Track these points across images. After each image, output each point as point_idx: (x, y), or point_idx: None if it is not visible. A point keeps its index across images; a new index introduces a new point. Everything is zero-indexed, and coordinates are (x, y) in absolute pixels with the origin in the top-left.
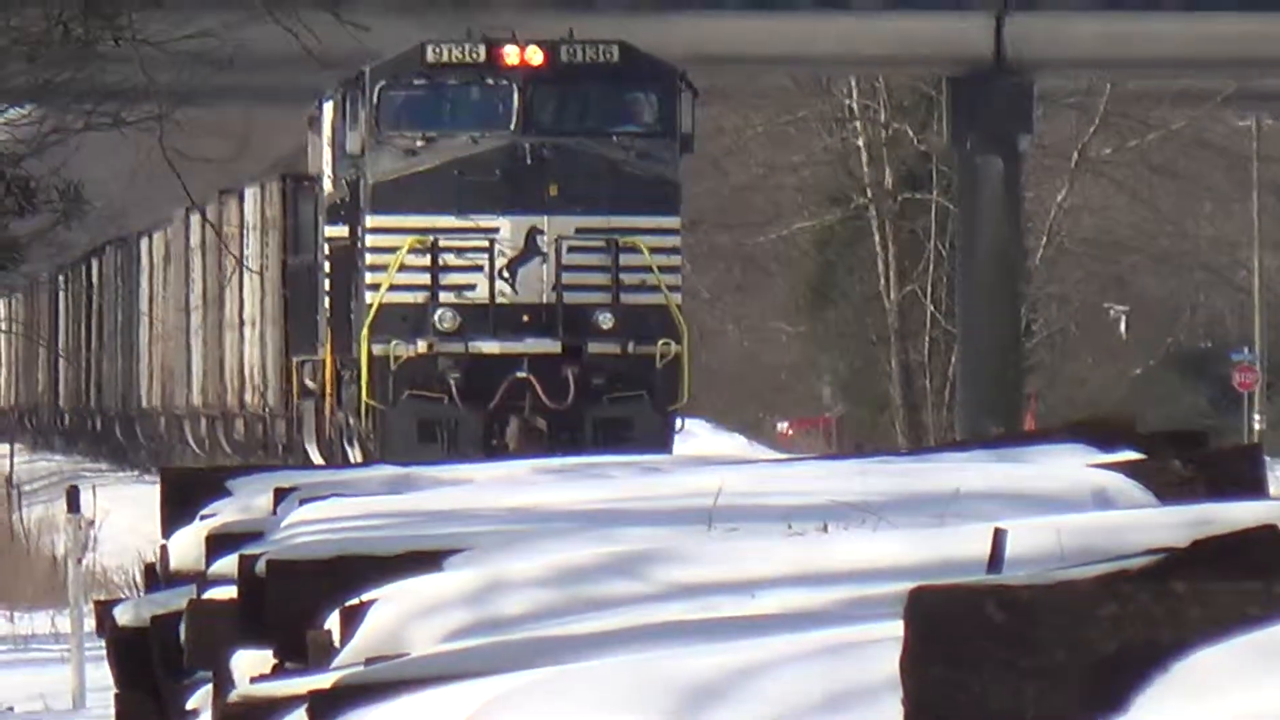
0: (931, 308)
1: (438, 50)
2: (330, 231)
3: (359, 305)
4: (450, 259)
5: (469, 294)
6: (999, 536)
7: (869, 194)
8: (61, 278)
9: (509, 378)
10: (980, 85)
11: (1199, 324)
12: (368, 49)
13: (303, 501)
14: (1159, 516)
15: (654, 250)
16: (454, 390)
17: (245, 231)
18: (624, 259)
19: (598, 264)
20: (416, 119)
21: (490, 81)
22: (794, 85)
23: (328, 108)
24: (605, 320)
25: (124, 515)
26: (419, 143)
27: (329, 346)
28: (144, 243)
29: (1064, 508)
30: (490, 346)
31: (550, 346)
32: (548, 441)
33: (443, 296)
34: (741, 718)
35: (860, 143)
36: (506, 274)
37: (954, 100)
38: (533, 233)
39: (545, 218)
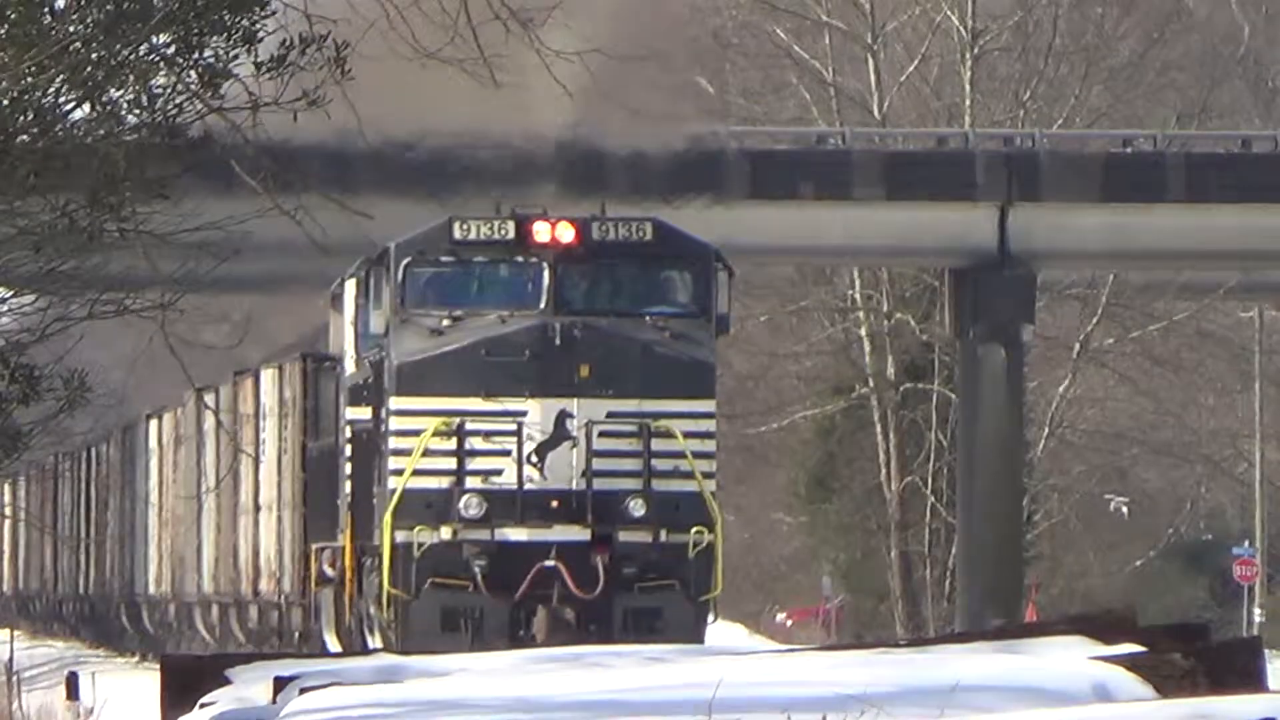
0: (932, 498)
1: (465, 226)
2: (352, 413)
3: (382, 490)
4: (477, 443)
5: (496, 479)
6: None
7: (871, 384)
8: (63, 463)
9: (537, 566)
10: (983, 276)
11: (1200, 516)
12: (371, 237)
13: (302, 691)
14: (1159, 711)
15: (687, 435)
16: (479, 579)
17: (262, 414)
18: (656, 444)
19: (629, 449)
20: (443, 297)
21: (520, 259)
22: (797, 275)
23: (350, 285)
24: (637, 507)
25: (124, 703)
26: (445, 322)
27: (349, 532)
28: (153, 425)
29: (1064, 701)
30: (517, 534)
31: (580, 534)
32: (576, 632)
33: (469, 482)
34: None
35: (863, 332)
36: (535, 459)
37: (957, 291)
38: (562, 416)
39: (575, 400)
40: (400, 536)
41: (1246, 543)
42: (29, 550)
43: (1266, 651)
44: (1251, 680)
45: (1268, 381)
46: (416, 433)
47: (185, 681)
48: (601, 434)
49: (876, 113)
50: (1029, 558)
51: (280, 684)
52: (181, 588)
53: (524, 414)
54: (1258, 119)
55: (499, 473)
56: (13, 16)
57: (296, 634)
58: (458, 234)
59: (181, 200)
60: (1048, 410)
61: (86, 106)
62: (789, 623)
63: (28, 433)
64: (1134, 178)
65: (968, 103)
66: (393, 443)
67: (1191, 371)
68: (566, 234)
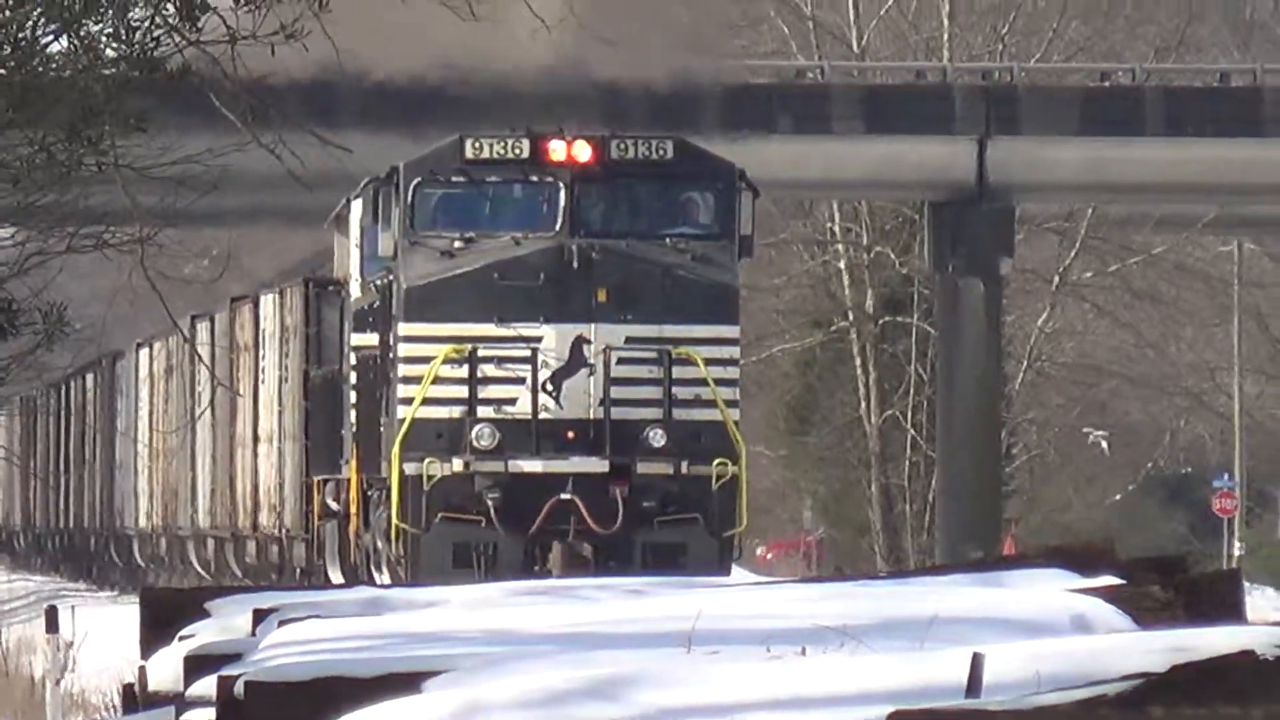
0: (912, 432)
1: (478, 145)
2: (358, 340)
3: (390, 420)
4: (489, 370)
5: (509, 408)
6: (977, 661)
7: (850, 317)
8: (41, 398)
9: (552, 499)
10: (962, 210)
11: (1179, 449)
12: (351, 171)
13: (281, 623)
14: (1137, 642)
15: (710, 362)
16: (492, 512)
17: (261, 341)
18: (677, 371)
19: (649, 376)
20: (454, 218)
21: (534, 179)
22: (775, 208)
23: (355, 207)
24: (656, 437)
25: (104, 636)
26: (457, 244)
27: (355, 464)
28: (143, 354)
29: (1043, 632)
30: (532, 465)
31: (597, 466)
32: (594, 569)
33: (481, 411)
34: None
35: (842, 265)
36: (550, 387)
37: (936, 224)
38: (579, 342)
39: (592, 326)
40: (410, 468)
41: (1226, 475)
42: (10, 485)
43: (1246, 584)
44: (1230, 612)
45: (1246, 315)
46: (427, 360)
47: (164, 614)
48: (620, 360)
49: (855, 46)
50: (1008, 491)
51: (259, 616)
52: (174, 521)
53: (539, 340)
54: (1236, 52)
55: (513, 401)
56: None
57: (299, 569)
58: (470, 153)
59: (160, 134)
60: (1026, 343)
61: (64, 39)
62: (770, 556)
63: (5, 367)
64: (1112, 111)
65: (946, 36)
66: (402, 370)
67: (1170, 305)
68: (584, 152)
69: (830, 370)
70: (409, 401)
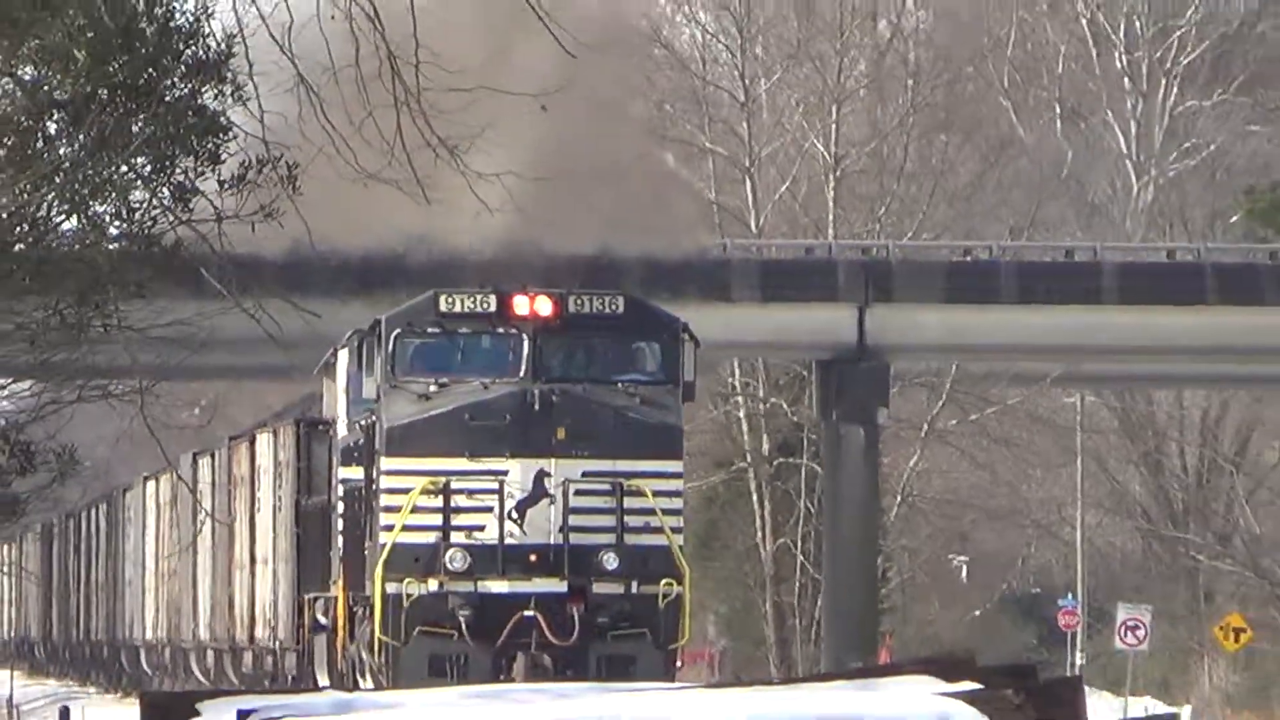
0: (801, 557)
1: (450, 300)
2: (344, 473)
3: (373, 544)
4: (461, 500)
5: (479, 535)
6: None
7: (748, 458)
8: (62, 524)
9: (516, 616)
10: (845, 367)
11: (1030, 572)
12: (320, 332)
13: None
14: None
15: (657, 494)
16: (464, 627)
17: (257, 474)
18: (628, 502)
19: (603, 506)
20: (430, 365)
21: (501, 330)
22: None
23: (342, 355)
24: (610, 561)
25: None
26: (432, 388)
27: (342, 583)
28: (149, 485)
29: None
30: (499, 586)
31: (557, 586)
32: (553, 677)
33: (454, 537)
34: None
35: (741, 414)
36: (515, 515)
37: (822, 379)
38: (540, 475)
39: (553, 461)
40: (391, 587)
41: (1069, 595)
42: (27, 602)
43: (1086, 689)
44: (1074, 713)
45: (1088, 457)
46: (405, 491)
47: (161, 714)
48: (577, 492)
49: (753, 226)
50: (884, 608)
51: (243, 716)
52: (178, 634)
53: (505, 473)
54: (1079, 231)
55: (482, 528)
56: (10, 141)
57: (290, 677)
58: (443, 307)
59: (156, 300)
60: (900, 481)
61: (75, 219)
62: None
63: (25, 500)
64: (972, 282)
65: (831, 217)
66: (384, 500)
67: (1023, 448)
68: (545, 307)
69: (731, 504)
70: (390, 528)
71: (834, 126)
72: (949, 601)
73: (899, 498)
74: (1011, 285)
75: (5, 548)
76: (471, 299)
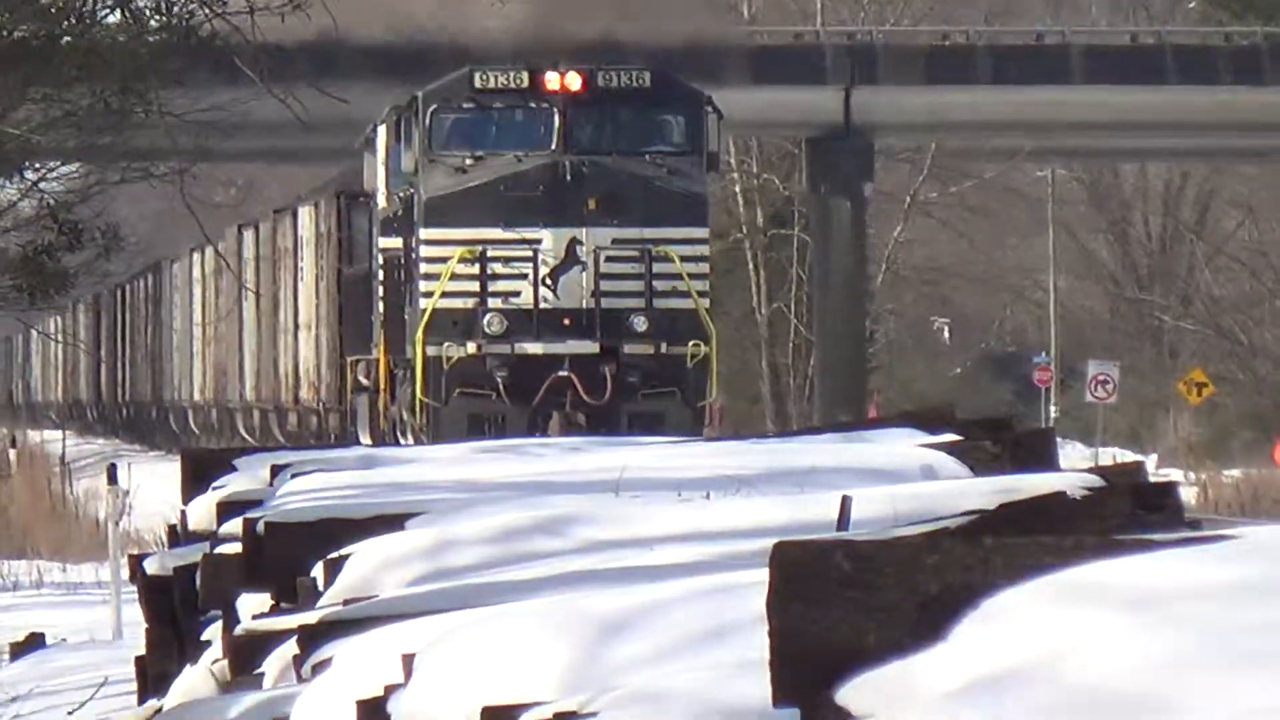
0: (794, 321)
1: (485, 76)
2: (384, 243)
3: (413, 310)
4: (497, 268)
5: (515, 300)
6: (846, 502)
7: (744, 230)
8: (104, 298)
9: (551, 376)
10: (832, 144)
11: (1006, 333)
12: (349, 117)
13: (294, 476)
14: (973, 486)
15: (684, 259)
16: (501, 388)
17: (300, 245)
18: (657, 267)
19: (633, 272)
20: (465, 139)
21: (533, 105)
22: None
23: (381, 130)
24: (640, 323)
25: (153, 487)
26: (468, 161)
27: (383, 347)
28: (195, 256)
29: (898, 479)
30: (534, 347)
31: (589, 347)
32: (587, 434)
33: (491, 302)
34: (644, 645)
35: (737, 190)
36: (549, 281)
37: (812, 156)
38: (573, 243)
39: (584, 230)
40: (431, 350)
41: (1043, 354)
42: (79, 368)
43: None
44: (1047, 462)
45: (1059, 226)
46: (444, 259)
47: (200, 469)
48: (608, 258)
49: (746, 13)
50: (871, 367)
51: (276, 470)
52: (224, 396)
53: (539, 242)
54: (1048, 18)
55: (517, 294)
56: None
57: (333, 436)
58: (478, 83)
59: (194, 87)
60: (885, 250)
61: (117, 13)
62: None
63: (73, 274)
64: (950, 64)
65: (819, 6)
66: (423, 268)
67: (999, 218)
68: (574, 82)
69: (729, 273)
70: (429, 295)
71: None
72: (931, 360)
73: (884, 265)
74: (986, 67)
75: (57, 318)
76: (504, 75)
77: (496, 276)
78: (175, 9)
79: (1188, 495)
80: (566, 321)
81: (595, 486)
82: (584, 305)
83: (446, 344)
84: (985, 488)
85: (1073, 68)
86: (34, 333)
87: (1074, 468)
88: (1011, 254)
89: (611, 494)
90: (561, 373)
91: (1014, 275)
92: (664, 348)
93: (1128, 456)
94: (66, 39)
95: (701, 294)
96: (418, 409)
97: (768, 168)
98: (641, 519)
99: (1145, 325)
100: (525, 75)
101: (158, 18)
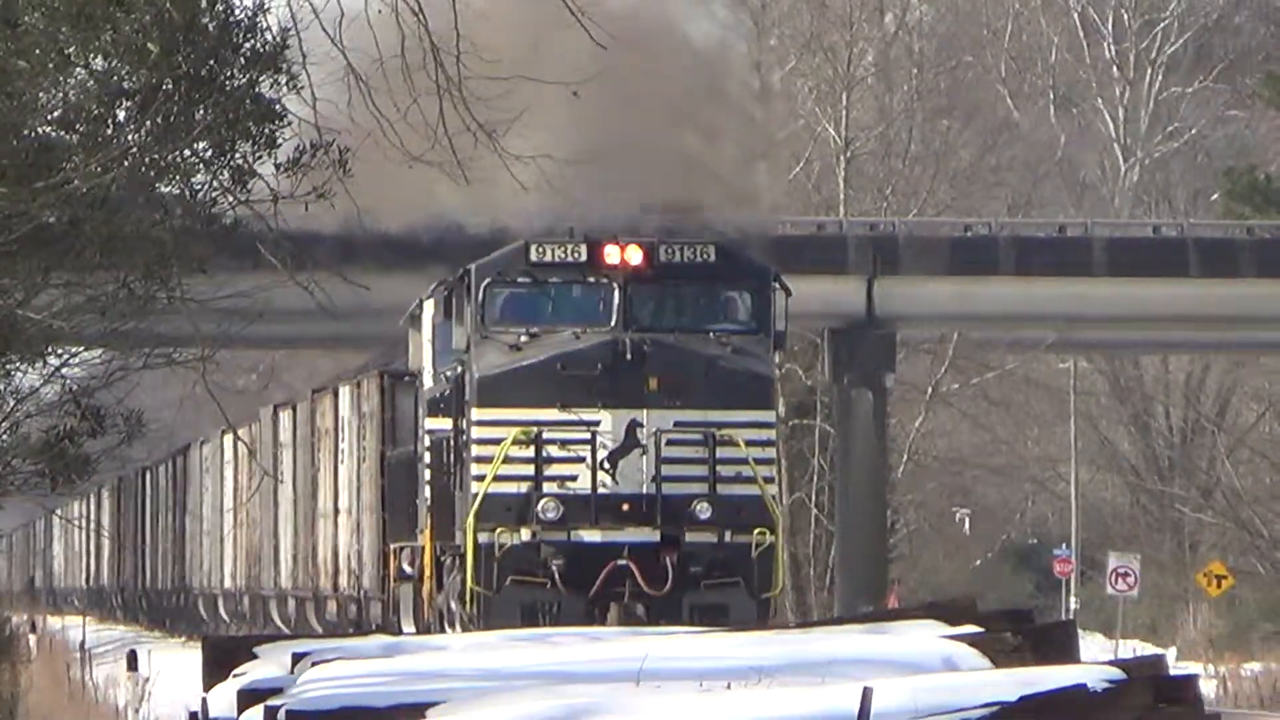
0: (815, 511)
1: (541, 249)
2: (431, 424)
3: (464, 495)
4: (553, 450)
5: (571, 484)
6: (866, 694)
7: None
8: (137, 479)
9: (609, 565)
10: (854, 335)
11: (1027, 524)
12: (371, 303)
13: (315, 663)
14: (994, 677)
15: (749, 443)
16: (557, 577)
17: (340, 425)
18: (720, 451)
19: (695, 456)
20: (520, 315)
21: (592, 280)
22: None
23: (428, 306)
24: (703, 510)
25: (173, 674)
26: (523, 338)
27: (429, 533)
28: (227, 439)
29: (919, 671)
30: (592, 535)
31: (649, 535)
32: (647, 627)
33: (546, 487)
34: None
35: None
36: (607, 465)
37: (833, 347)
38: (633, 425)
39: (645, 411)
40: (483, 537)
41: (1064, 545)
42: (99, 553)
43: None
44: (1068, 655)
45: (1080, 417)
46: (497, 441)
47: (222, 656)
48: (669, 442)
49: (766, 206)
50: (892, 558)
51: (297, 658)
52: (258, 583)
53: (597, 423)
54: (1071, 209)
55: (574, 478)
56: (82, 128)
57: (375, 626)
58: (534, 256)
59: (217, 274)
60: (906, 440)
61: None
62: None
63: (95, 460)
64: (973, 256)
65: (842, 197)
66: (475, 450)
67: (1020, 409)
68: (635, 256)
69: None
70: (482, 478)
71: (844, 112)
72: (952, 551)
73: (905, 456)
74: (1009, 259)
75: (79, 503)
76: (562, 248)
77: (552, 460)
78: (199, 196)
79: (1208, 688)
80: (626, 508)
81: (618, 675)
82: (644, 491)
83: (499, 530)
84: (1006, 680)
85: (1095, 260)
86: (55, 518)
87: (1095, 660)
88: (1033, 445)
89: (633, 683)
90: (620, 562)
91: (1035, 466)
92: (728, 536)
93: (1148, 649)
94: (91, 225)
95: (767, 480)
96: (468, 598)
97: (791, 357)
98: (661, 710)
99: (1166, 517)
100: (584, 248)
101: (181, 205)
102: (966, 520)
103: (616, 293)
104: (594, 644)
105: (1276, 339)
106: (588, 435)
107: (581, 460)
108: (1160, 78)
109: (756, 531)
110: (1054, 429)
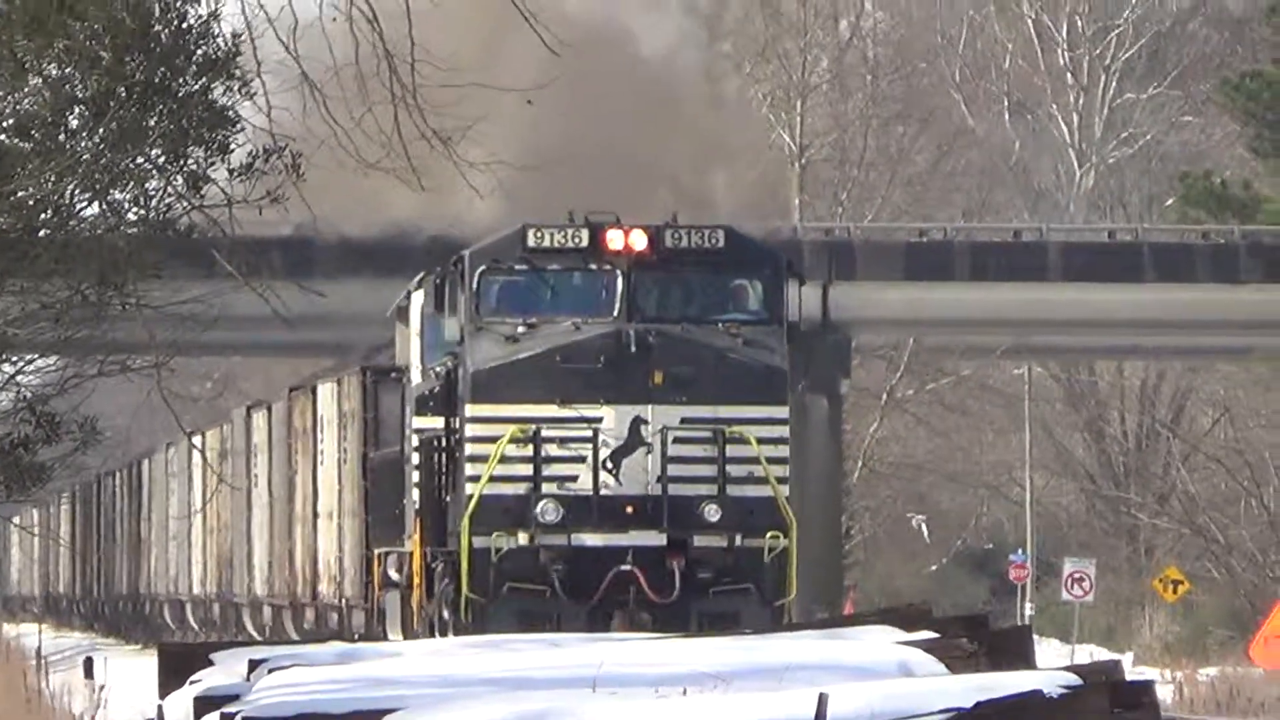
0: None
1: (539, 234)
2: (420, 422)
3: (457, 496)
4: (553, 449)
5: (572, 485)
6: (822, 700)
7: None
8: (91, 486)
9: (613, 571)
10: (809, 340)
11: (982, 530)
12: (326, 310)
13: (270, 670)
14: (950, 683)
15: (761, 441)
16: (557, 583)
17: (320, 425)
18: (730, 450)
19: (703, 455)
20: (517, 304)
21: (593, 266)
22: None
23: (416, 297)
24: (711, 512)
25: (129, 681)
26: (520, 329)
27: (418, 538)
28: (197, 440)
29: (875, 676)
30: (594, 539)
31: (655, 539)
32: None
33: (545, 488)
34: None
35: None
36: (610, 465)
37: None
38: (637, 422)
39: (650, 407)
40: (478, 541)
41: (1019, 551)
42: (55, 561)
43: (1035, 637)
44: (1024, 660)
45: (1035, 423)
46: (493, 439)
47: (177, 664)
48: (676, 440)
49: (721, 211)
50: (848, 564)
51: (253, 665)
52: (229, 589)
53: (599, 420)
54: (1026, 214)
55: (575, 479)
56: (36, 135)
57: (357, 635)
58: (531, 241)
59: (172, 280)
60: (862, 446)
61: (95, 206)
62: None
63: (50, 468)
64: (928, 261)
65: (797, 203)
66: (469, 449)
67: (975, 415)
68: (640, 241)
69: None
70: (476, 479)
71: (799, 118)
72: (908, 557)
73: (860, 462)
74: (964, 264)
75: (36, 510)
76: (562, 233)
77: (551, 459)
78: (153, 202)
79: (1164, 694)
80: (630, 510)
81: (575, 682)
82: (649, 492)
83: (495, 534)
84: (962, 685)
85: (1050, 265)
86: (11, 526)
87: (1051, 666)
88: (988, 451)
89: (589, 689)
90: (624, 567)
91: (990, 472)
92: (738, 540)
93: (1104, 655)
94: (44, 232)
95: (780, 480)
96: (463, 606)
97: None
98: (616, 715)
99: (1121, 523)
100: (585, 233)
101: (135, 211)
102: (922, 526)
103: (619, 280)
104: (551, 650)
105: (1231, 344)
106: (589, 433)
107: (582, 459)
108: (1114, 84)
109: (769, 535)
110: (1009, 435)
